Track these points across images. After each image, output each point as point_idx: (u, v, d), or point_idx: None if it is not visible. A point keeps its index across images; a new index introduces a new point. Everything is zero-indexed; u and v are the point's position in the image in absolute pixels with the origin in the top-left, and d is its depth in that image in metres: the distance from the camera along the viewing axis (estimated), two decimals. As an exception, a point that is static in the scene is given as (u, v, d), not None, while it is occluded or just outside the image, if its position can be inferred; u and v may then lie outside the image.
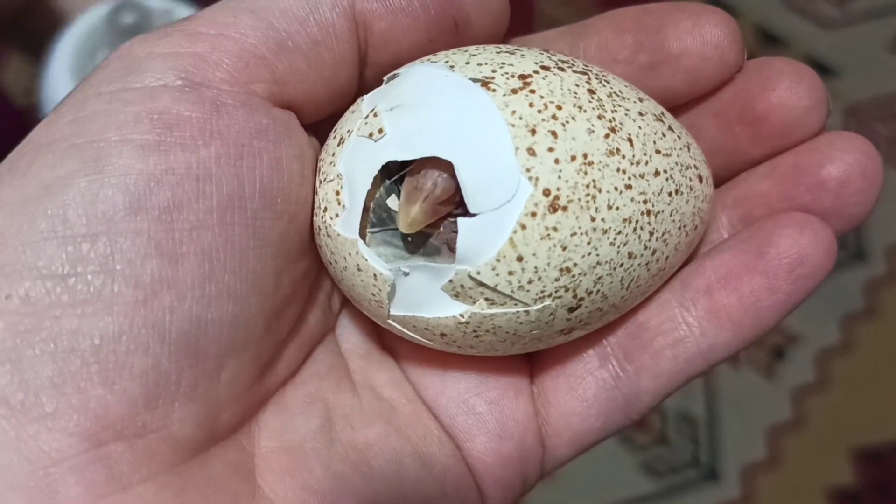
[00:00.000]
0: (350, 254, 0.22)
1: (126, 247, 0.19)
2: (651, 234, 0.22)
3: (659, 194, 0.22)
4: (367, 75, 0.24)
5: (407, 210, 0.21)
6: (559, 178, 0.20)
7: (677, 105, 0.25)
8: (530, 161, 0.20)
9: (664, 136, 0.23)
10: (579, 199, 0.21)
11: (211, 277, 0.20)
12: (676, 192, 0.23)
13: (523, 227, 0.20)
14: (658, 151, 0.22)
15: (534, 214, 0.20)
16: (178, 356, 0.19)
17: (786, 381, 0.62)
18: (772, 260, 0.23)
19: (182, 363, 0.20)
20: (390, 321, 0.23)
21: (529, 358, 0.25)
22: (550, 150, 0.20)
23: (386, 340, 0.26)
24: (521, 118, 0.21)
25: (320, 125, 0.24)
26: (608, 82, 0.23)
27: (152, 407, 0.19)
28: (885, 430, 0.61)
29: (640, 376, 0.24)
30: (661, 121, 0.23)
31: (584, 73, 0.22)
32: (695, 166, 0.23)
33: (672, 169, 0.22)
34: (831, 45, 0.67)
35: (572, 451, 0.25)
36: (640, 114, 0.22)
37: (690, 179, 0.23)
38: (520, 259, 0.20)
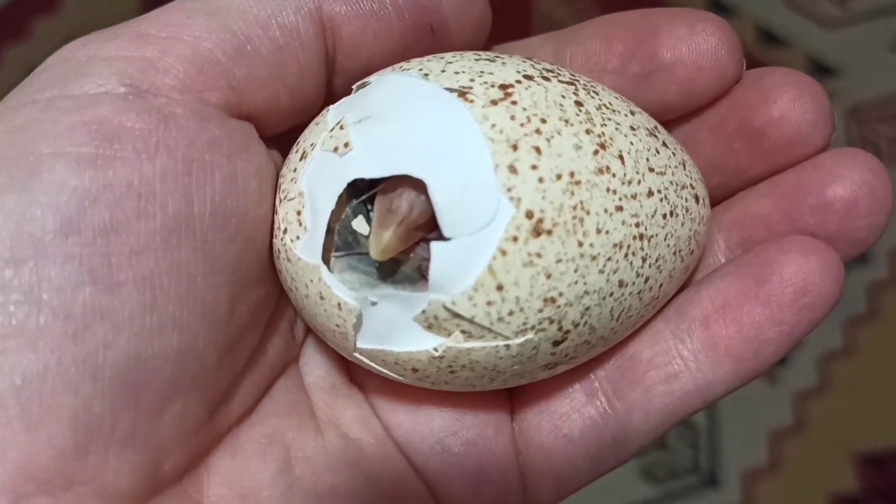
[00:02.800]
0: (312, 280, 0.20)
1: (55, 273, 0.17)
2: (644, 260, 0.20)
3: (652, 216, 0.20)
4: (335, 84, 0.22)
5: (379, 235, 0.19)
6: (543, 198, 0.18)
7: (671, 119, 0.24)
8: (512, 180, 0.18)
9: (658, 152, 0.21)
10: (565, 223, 0.19)
11: (153, 307, 0.18)
12: (671, 213, 0.21)
13: (504, 252, 0.18)
14: (651, 169, 0.20)
15: (515, 239, 0.18)
16: (114, 397, 0.17)
17: (787, 386, 0.61)
18: (775, 288, 0.21)
19: (118, 404, 0.17)
20: (357, 354, 0.20)
21: (510, 392, 0.23)
22: (534, 167, 0.19)
23: (354, 372, 0.23)
24: (501, 132, 0.19)
25: (284, 138, 0.22)
26: (597, 93, 0.21)
27: (83, 455, 0.17)
28: (888, 435, 0.60)
29: (631, 414, 0.22)
30: (655, 136, 0.21)
31: (571, 84, 0.20)
32: (691, 185, 0.22)
33: (667, 189, 0.21)
34: (833, 45, 0.65)
35: (557, 495, 0.23)
36: (632, 128, 0.21)
37: (686, 200, 0.21)
38: (500, 288, 0.18)
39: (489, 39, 0.24)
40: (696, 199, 0.22)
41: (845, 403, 0.60)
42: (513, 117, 0.19)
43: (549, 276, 0.19)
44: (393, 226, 0.19)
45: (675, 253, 0.21)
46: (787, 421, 0.60)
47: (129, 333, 0.17)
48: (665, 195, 0.20)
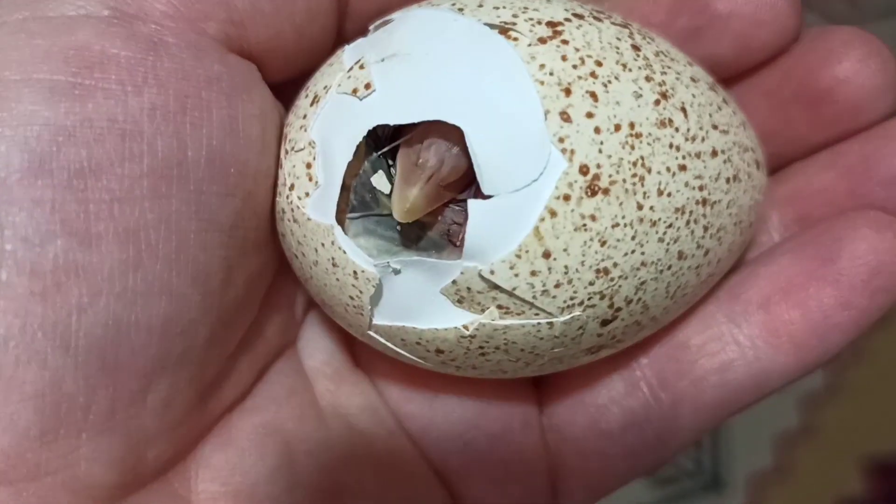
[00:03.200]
0: (323, 244, 0.17)
1: (21, 221, 0.14)
2: (706, 229, 0.17)
3: (716, 180, 0.18)
4: (347, 29, 0.20)
5: (404, 193, 0.17)
6: (600, 152, 0.16)
7: (721, 79, 0.21)
8: (564, 129, 0.16)
9: (720, 109, 0.18)
10: (624, 181, 0.16)
11: (137, 266, 0.15)
12: (735, 178, 0.18)
13: (553, 213, 0.16)
14: (715, 127, 0.18)
15: (567, 198, 0.16)
16: (88, 371, 0.15)
17: (793, 388, 0.60)
18: (845, 267, 0.19)
19: (93, 381, 0.15)
20: (372, 332, 0.18)
21: (537, 381, 0.21)
22: (589, 115, 0.16)
23: (360, 355, 0.21)
24: (551, 74, 0.16)
25: (287, 88, 0.19)
26: (653, 39, 0.18)
27: (50, 440, 0.15)
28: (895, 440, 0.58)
29: (678, 408, 0.20)
30: (715, 91, 0.19)
31: (625, 27, 0.18)
32: (752, 149, 0.19)
33: (730, 150, 0.18)
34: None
35: (588, 497, 0.21)
36: (693, 80, 0.18)
37: (749, 165, 0.19)
38: (547, 255, 0.16)
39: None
40: (757, 164, 0.19)
41: (853, 407, 0.59)
42: (564, 58, 0.16)
43: (603, 244, 0.16)
44: (420, 182, 0.17)
45: (736, 223, 0.18)
46: (794, 424, 0.59)
47: (108, 296, 0.15)
48: (729, 157, 0.18)
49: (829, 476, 0.58)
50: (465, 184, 0.17)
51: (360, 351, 0.21)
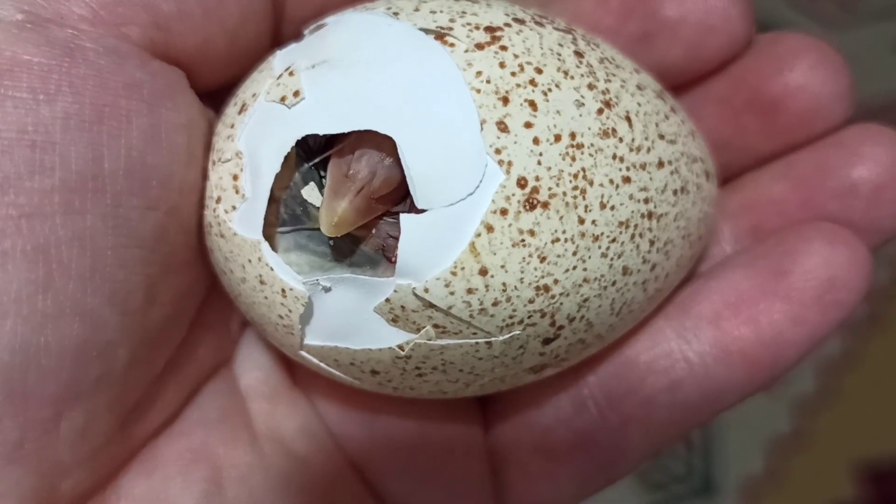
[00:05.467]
0: (250, 260, 0.16)
1: None
2: (651, 243, 0.17)
3: (663, 192, 0.17)
4: (284, 33, 0.19)
5: (332, 205, 0.16)
6: (539, 164, 0.15)
7: (671, 87, 0.20)
8: (501, 140, 0.15)
9: (667, 118, 0.18)
10: (564, 194, 0.15)
11: (47, 286, 0.14)
12: (682, 190, 0.17)
13: (490, 228, 0.15)
14: (661, 136, 0.17)
15: (504, 212, 0.15)
16: None
17: (786, 393, 0.59)
18: (796, 282, 0.18)
19: (1, 410, 0.14)
20: (303, 353, 0.17)
21: (482, 400, 0.20)
22: (528, 125, 0.15)
23: (298, 374, 0.20)
24: (488, 82, 0.15)
25: (220, 95, 0.18)
26: (597, 45, 0.17)
27: None
28: (887, 445, 0.58)
29: (628, 428, 0.19)
30: (662, 99, 0.18)
31: (569, 32, 0.17)
32: (702, 160, 0.19)
33: (678, 160, 0.17)
34: (835, 46, 0.65)
35: None
36: (639, 87, 0.17)
37: (697, 176, 0.18)
38: (483, 272, 0.15)
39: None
40: (707, 175, 0.19)
41: (845, 412, 0.60)
42: (502, 65, 0.16)
43: (543, 260, 0.15)
44: (349, 194, 0.16)
45: (684, 237, 0.18)
46: (786, 429, 0.59)
47: (14, 318, 0.14)
48: (676, 168, 0.17)
49: (821, 481, 0.58)
50: (400, 196, 0.16)
51: (297, 368, 0.20)
